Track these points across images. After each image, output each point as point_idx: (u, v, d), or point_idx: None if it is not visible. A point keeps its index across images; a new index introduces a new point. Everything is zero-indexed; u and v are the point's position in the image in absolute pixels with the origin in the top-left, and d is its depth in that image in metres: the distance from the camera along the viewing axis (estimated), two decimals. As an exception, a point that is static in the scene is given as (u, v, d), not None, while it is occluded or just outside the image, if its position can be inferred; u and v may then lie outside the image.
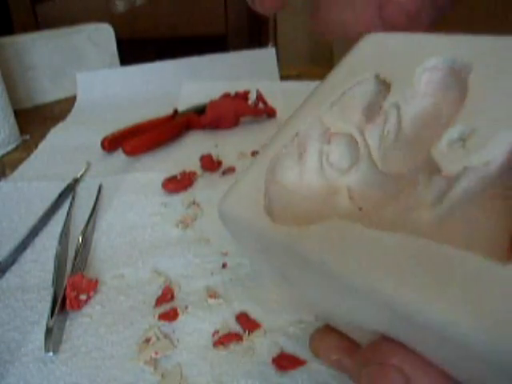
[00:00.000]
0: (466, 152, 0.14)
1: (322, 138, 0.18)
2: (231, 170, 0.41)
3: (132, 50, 0.75)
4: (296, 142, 0.18)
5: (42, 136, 0.52)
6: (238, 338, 0.24)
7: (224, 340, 0.24)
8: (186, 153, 0.46)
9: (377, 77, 0.18)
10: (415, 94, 0.17)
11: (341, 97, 0.18)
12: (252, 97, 0.55)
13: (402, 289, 0.12)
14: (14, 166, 0.45)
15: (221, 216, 0.18)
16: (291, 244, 0.14)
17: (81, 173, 0.42)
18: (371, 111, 0.18)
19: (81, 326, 0.25)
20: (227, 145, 0.47)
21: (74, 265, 0.29)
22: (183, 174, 0.40)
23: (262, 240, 0.16)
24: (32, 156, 0.47)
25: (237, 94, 0.56)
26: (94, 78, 0.64)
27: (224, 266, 0.29)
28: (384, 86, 0.18)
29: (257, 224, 0.16)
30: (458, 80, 0.16)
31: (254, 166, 0.18)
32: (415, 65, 0.17)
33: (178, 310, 0.26)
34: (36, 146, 0.49)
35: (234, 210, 0.18)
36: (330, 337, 0.17)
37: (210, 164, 0.42)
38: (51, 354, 0.23)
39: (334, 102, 0.18)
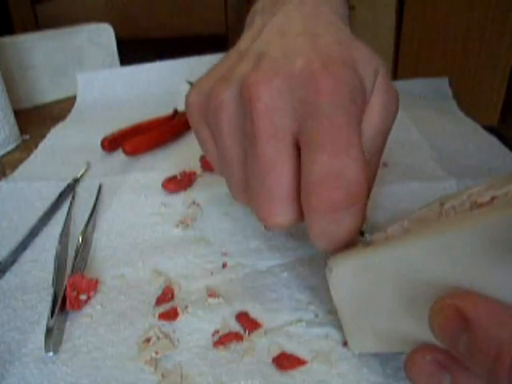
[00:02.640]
0: None
1: None
2: (231, 169, 0.41)
3: (132, 50, 0.75)
4: None
5: (42, 136, 0.52)
6: (238, 337, 0.24)
7: (224, 340, 0.24)
8: (186, 153, 0.46)
9: None
10: None
11: None
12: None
13: None
14: (14, 166, 0.45)
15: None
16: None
17: (81, 173, 0.42)
18: None
19: (81, 326, 0.25)
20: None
21: (73, 265, 0.29)
22: (183, 174, 0.40)
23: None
24: (32, 156, 0.47)
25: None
26: (94, 77, 0.64)
27: (224, 266, 0.29)
28: None
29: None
30: None
31: None
32: None
33: (178, 309, 0.26)
34: (36, 146, 0.49)
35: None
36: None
37: (210, 164, 0.42)
38: (51, 354, 0.23)
39: None
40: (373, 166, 0.24)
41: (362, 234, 0.21)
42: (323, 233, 0.21)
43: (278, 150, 0.21)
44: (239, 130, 0.23)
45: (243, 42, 0.26)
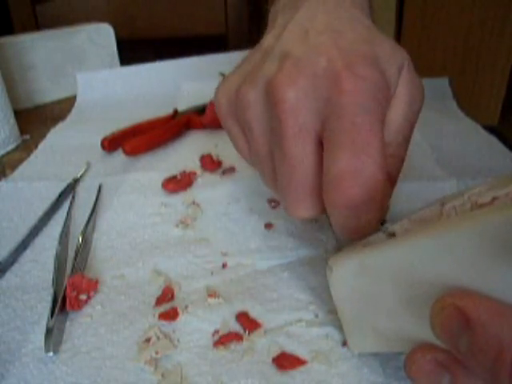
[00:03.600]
0: None
1: None
2: (231, 170, 0.41)
3: (132, 50, 0.75)
4: None
5: (42, 136, 0.52)
6: (238, 337, 0.24)
7: (224, 340, 0.24)
8: (186, 153, 0.46)
9: None
10: None
11: None
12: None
13: None
14: (14, 166, 0.45)
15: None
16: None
17: (81, 173, 0.42)
18: None
19: (81, 326, 0.25)
20: (227, 145, 0.47)
21: (73, 265, 0.29)
22: (183, 173, 0.40)
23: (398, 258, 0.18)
24: (32, 156, 0.47)
25: (237, 94, 0.56)
26: (93, 78, 0.64)
27: (224, 266, 0.29)
28: None
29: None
30: None
31: None
32: None
33: (178, 309, 0.26)
34: (36, 146, 0.49)
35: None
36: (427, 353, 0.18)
37: (210, 164, 0.42)
38: (51, 354, 0.23)
39: None
40: (399, 157, 0.25)
41: (382, 223, 0.22)
42: (344, 225, 0.22)
43: (302, 148, 0.22)
44: (267, 128, 0.24)
45: (267, 41, 0.26)
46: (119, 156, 0.45)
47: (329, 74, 0.21)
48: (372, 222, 0.22)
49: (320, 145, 0.23)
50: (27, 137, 0.53)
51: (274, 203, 0.36)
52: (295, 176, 0.23)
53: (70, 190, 0.39)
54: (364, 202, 0.21)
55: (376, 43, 0.23)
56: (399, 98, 0.24)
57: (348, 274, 0.20)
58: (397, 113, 0.24)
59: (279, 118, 0.22)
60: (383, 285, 0.19)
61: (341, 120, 0.21)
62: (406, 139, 0.25)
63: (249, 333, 0.24)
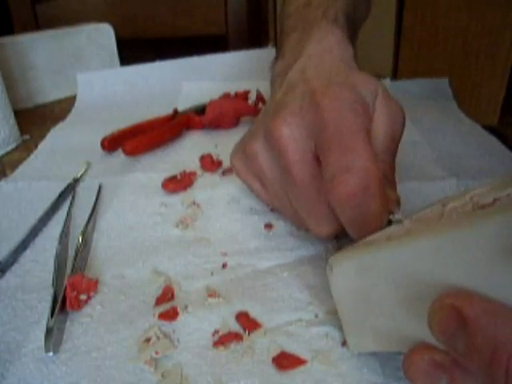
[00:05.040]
0: None
1: None
2: (231, 170, 0.41)
3: (132, 50, 0.75)
4: None
5: (42, 136, 0.52)
6: (238, 337, 0.24)
7: (224, 340, 0.24)
8: (186, 153, 0.46)
9: None
10: None
11: None
12: (252, 97, 0.55)
13: None
14: (14, 166, 0.45)
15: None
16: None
17: (81, 173, 0.42)
18: None
19: (81, 326, 0.25)
20: (227, 145, 0.47)
21: (73, 265, 0.29)
22: (183, 174, 0.40)
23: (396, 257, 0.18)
24: (32, 156, 0.47)
25: (237, 94, 0.56)
26: (93, 78, 0.64)
27: (224, 266, 0.29)
28: None
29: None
30: None
31: None
32: None
33: (178, 309, 0.26)
34: (36, 146, 0.49)
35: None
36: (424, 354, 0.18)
37: (210, 164, 0.42)
38: (51, 353, 0.23)
39: None
40: (388, 163, 0.27)
41: (389, 221, 0.23)
42: (352, 221, 0.24)
43: (307, 170, 0.26)
44: (275, 168, 0.28)
45: (266, 107, 0.32)
46: (119, 156, 0.45)
47: (311, 104, 0.26)
48: (377, 212, 0.23)
49: (320, 165, 0.25)
50: (27, 137, 0.53)
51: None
52: (308, 198, 0.26)
53: (70, 190, 0.39)
54: (361, 191, 0.23)
55: (352, 75, 0.28)
56: (378, 120, 0.27)
57: (348, 272, 0.20)
58: (378, 133, 0.27)
59: (281, 152, 0.26)
60: (383, 284, 0.19)
61: (326, 131, 0.24)
62: (391, 155, 0.28)
63: (249, 333, 0.24)
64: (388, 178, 0.27)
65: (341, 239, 0.31)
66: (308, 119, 0.26)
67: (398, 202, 0.26)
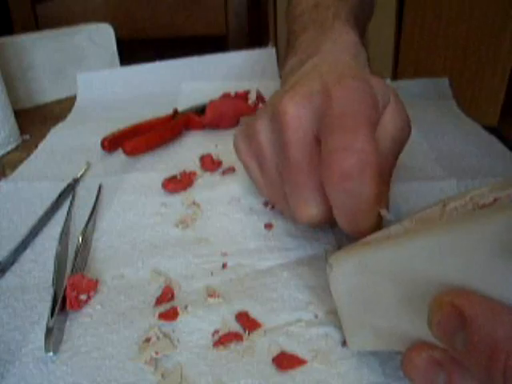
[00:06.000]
0: None
1: None
2: (231, 170, 0.41)
3: (132, 50, 0.75)
4: None
5: (42, 136, 0.52)
6: (238, 337, 0.24)
7: (224, 340, 0.24)
8: (186, 153, 0.46)
9: None
10: None
11: None
12: (252, 97, 0.55)
13: None
14: (14, 166, 0.45)
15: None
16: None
17: (81, 173, 0.42)
18: None
19: (81, 326, 0.25)
20: (227, 145, 0.47)
21: (74, 265, 0.29)
22: (183, 173, 0.40)
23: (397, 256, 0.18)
24: (32, 156, 0.47)
25: (237, 94, 0.56)
26: (93, 78, 0.64)
27: (224, 266, 0.29)
28: None
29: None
30: None
31: None
32: None
33: (178, 309, 0.26)
34: (36, 146, 0.49)
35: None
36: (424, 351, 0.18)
37: (210, 164, 0.42)
38: (51, 353, 0.23)
39: None
40: (387, 164, 0.27)
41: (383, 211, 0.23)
42: (343, 205, 0.24)
43: (305, 151, 0.25)
44: (275, 151, 0.28)
45: (275, 94, 0.32)
46: (119, 156, 0.45)
47: (322, 91, 0.26)
48: (368, 201, 0.23)
49: (319, 145, 0.25)
50: (27, 137, 0.53)
51: (273, 203, 0.36)
52: (300, 178, 0.26)
53: (70, 190, 0.39)
54: (357, 173, 0.23)
55: (365, 74, 0.28)
56: (386, 123, 0.27)
57: (348, 271, 0.20)
58: (385, 136, 0.27)
59: (282, 128, 0.26)
60: (383, 283, 0.19)
61: (331, 114, 0.24)
62: (393, 156, 0.28)
63: (249, 333, 0.24)
64: (384, 178, 0.26)
65: (340, 239, 0.31)
66: (316, 103, 0.26)
67: (387, 207, 0.26)
